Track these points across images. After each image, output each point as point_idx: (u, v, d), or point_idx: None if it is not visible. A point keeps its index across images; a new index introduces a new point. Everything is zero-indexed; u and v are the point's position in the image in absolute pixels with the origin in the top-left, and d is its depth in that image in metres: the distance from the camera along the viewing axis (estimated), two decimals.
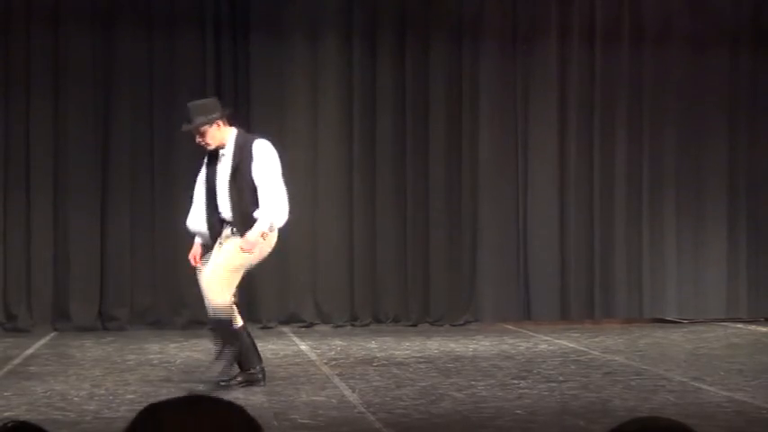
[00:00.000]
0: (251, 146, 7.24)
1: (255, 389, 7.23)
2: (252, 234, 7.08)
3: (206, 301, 7.26)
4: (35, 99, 10.80)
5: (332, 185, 11.36)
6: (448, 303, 11.45)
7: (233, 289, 7.27)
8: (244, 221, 7.12)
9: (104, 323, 10.83)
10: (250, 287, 11.27)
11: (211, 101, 7.63)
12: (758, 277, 12.01)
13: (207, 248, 7.33)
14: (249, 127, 11.04)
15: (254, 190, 7.15)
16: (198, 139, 7.29)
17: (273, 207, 7.14)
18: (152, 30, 11.01)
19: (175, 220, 10.95)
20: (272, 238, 7.28)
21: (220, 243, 7.24)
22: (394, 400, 6.89)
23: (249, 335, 7.50)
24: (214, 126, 7.23)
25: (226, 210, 7.21)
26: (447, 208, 11.50)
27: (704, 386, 7.43)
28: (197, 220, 7.38)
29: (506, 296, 11.62)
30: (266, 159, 7.22)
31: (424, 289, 11.44)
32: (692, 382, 7.58)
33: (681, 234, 11.93)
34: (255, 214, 7.11)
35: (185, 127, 7.39)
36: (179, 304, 10.93)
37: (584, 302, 11.69)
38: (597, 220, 11.76)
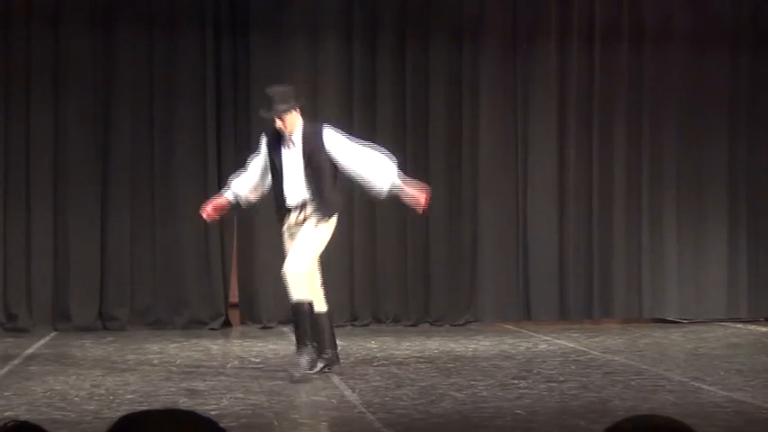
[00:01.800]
0: (321, 133, 7.57)
1: (256, 389, 7.23)
2: (410, 189, 7.63)
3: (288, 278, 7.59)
4: (35, 99, 10.79)
5: None
6: (448, 303, 11.45)
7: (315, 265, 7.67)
8: (322, 203, 7.51)
9: (104, 323, 10.83)
10: (250, 287, 11.30)
11: (290, 88, 7.93)
12: (758, 277, 12.00)
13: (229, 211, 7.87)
14: (249, 127, 11.12)
15: (330, 174, 7.54)
16: (278, 124, 7.55)
17: (385, 157, 7.62)
18: (152, 30, 11.01)
19: (176, 221, 11.01)
20: (333, 221, 7.64)
21: (291, 231, 7.61)
22: (394, 400, 6.88)
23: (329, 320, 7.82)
24: (293, 113, 7.54)
25: (295, 195, 7.53)
26: (447, 208, 11.50)
27: (704, 386, 7.43)
28: (239, 180, 7.82)
29: (506, 296, 11.62)
30: (341, 139, 7.61)
31: (424, 289, 11.44)
32: (692, 382, 7.58)
33: (681, 234, 11.93)
34: (380, 172, 7.55)
35: (265, 114, 7.65)
36: (179, 304, 10.94)
37: (583, 302, 11.70)
38: (597, 220, 11.76)
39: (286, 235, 7.69)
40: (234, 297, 11.24)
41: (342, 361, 8.68)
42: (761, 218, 12.04)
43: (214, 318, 10.99)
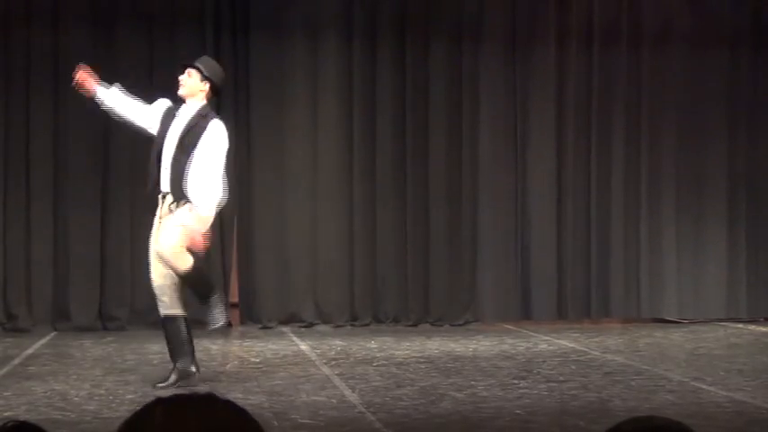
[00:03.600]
0: (209, 120, 7.19)
1: (256, 389, 7.23)
2: (192, 224, 6.95)
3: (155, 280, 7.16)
4: (35, 99, 10.79)
5: (332, 185, 11.37)
6: (448, 303, 11.45)
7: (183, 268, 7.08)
8: (179, 190, 7.02)
9: (104, 323, 10.83)
10: (250, 287, 11.30)
11: (221, 71, 7.61)
12: (757, 277, 12.01)
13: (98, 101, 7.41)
14: (249, 127, 11.12)
15: (191, 161, 7.05)
16: (182, 76, 7.31)
17: (209, 193, 7.01)
18: (152, 30, 11.00)
19: None
20: (210, 219, 7.10)
21: (160, 218, 7.12)
22: (394, 400, 6.89)
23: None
24: (201, 81, 7.27)
25: (165, 175, 7.10)
26: (446, 208, 11.50)
27: (704, 386, 7.43)
28: (119, 96, 7.46)
29: (506, 296, 11.63)
30: (217, 140, 7.13)
31: (424, 289, 11.44)
32: (692, 382, 7.58)
33: (679, 234, 11.93)
34: (190, 195, 6.98)
35: (184, 61, 7.48)
36: None
37: (582, 302, 11.71)
38: (595, 220, 11.77)
39: (156, 222, 7.18)
40: (234, 297, 11.23)
41: (342, 361, 8.69)
42: (760, 218, 12.05)
43: None
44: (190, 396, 1.57)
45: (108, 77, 10.88)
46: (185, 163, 7.07)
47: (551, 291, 11.66)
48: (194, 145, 7.10)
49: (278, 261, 11.18)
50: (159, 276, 7.15)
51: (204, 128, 7.15)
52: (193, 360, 7.29)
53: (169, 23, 11.04)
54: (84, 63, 10.76)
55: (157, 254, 7.09)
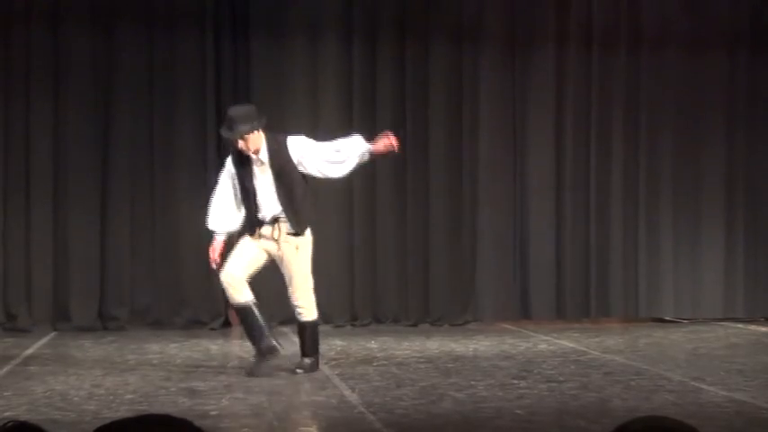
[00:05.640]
0: (286, 145, 7.63)
1: (256, 389, 7.23)
2: (379, 143, 7.76)
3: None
4: (35, 99, 10.79)
5: (332, 185, 11.33)
6: (448, 303, 11.46)
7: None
8: (297, 218, 7.63)
9: (104, 323, 10.83)
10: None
11: (252, 108, 7.87)
12: (755, 277, 12.03)
13: (228, 244, 7.87)
14: None
15: (302, 187, 7.64)
16: (240, 145, 7.53)
17: (348, 137, 7.81)
18: (152, 30, 11.01)
19: (176, 221, 11.01)
20: (309, 235, 7.75)
21: (262, 245, 7.71)
22: (394, 400, 6.88)
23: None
24: (255, 133, 7.53)
25: (269, 210, 7.62)
26: (446, 208, 11.51)
27: (704, 386, 7.43)
28: (221, 219, 7.80)
29: (505, 296, 11.64)
30: (305, 142, 7.70)
31: (424, 289, 11.44)
32: (692, 382, 7.58)
33: (678, 234, 11.95)
34: (352, 147, 7.71)
35: (227, 134, 7.66)
36: (179, 304, 10.94)
37: (580, 302, 11.73)
38: (594, 220, 11.78)
39: (254, 244, 7.73)
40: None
41: (342, 361, 8.70)
42: (758, 219, 12.07)
43: (214, 318, 10.99)
44: (144, 418, 1.57)
45: (108, 77, 10.97)
46: (292, 194, 7.60)
47: (550, 290, 11.67)
48: (292, 169, 7.60)
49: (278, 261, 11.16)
50: (243, 270, 7.71)
51: (287, 152, 7.60)
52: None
53: (169, 23, 11.04)
54: (85, 63, 10.84)
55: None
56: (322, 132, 11.37)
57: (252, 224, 7.70)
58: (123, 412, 6.27)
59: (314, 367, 7.90)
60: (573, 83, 11.77)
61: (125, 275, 10.91)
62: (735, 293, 11.99)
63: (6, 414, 6.28)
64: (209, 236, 7.99)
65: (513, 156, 11.70)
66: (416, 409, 6.54)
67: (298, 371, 7.77)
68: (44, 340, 9.99)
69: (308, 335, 7.95)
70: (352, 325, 11.18)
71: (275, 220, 7.63)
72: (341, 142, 7.79)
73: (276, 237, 7.65)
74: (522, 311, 11.64)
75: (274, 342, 7.78)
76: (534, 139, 11.73)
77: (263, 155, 7.58)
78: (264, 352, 7.74)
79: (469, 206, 11.58)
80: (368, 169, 11.35)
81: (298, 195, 7.62)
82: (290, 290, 7.86)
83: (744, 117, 12.05)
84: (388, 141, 7.75)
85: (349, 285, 11.32)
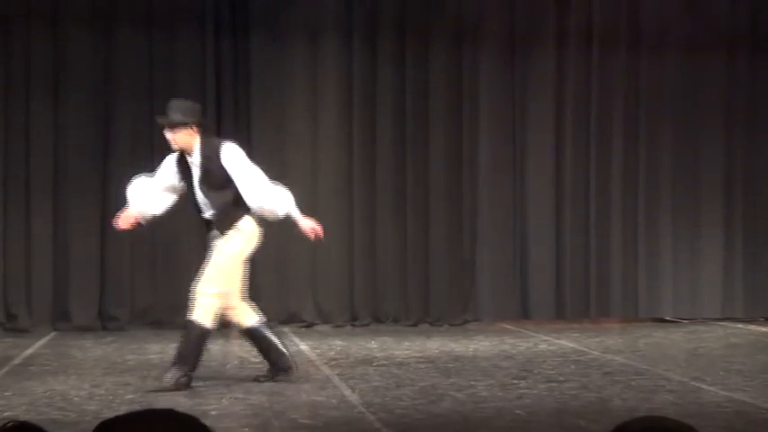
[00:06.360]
0: (219, 151, 7.29)
1: (256, 389, 7.23)
2: (302, 223, 7.48)
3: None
4: (35, 99, 10.79)
5: (332, 185, 11.37)
6: (448, 303, 11.46)
7: (228, 285, 7.36)
8: (224, 222, 7.29)
9: (104, 323, 10.83)
10: (250, 287, 11.28)
11: (194, 105, 7.63)
12: (754, 277, 12.04)
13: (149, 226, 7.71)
14: (249, 127, 11.11)
15: (231, 191, 7.25)
16: (168, 135, 7.33)
17: (271, 194, 7.29)
18: (152, 30, 11.01)
19: (176, 221, 10.99)
20: (255, 233, 7.37)
21: (209, 246, 7.41)
22: (394, 400, 6.89)
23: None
24: (187, 129, 7.29)
25: (207, 212, 7.38)
26: (446, 208, 11.51)
27: (704, 386, 7.43)
28: (141, 194, 7.54)
29: (505, 296, 11.64)
30: (236, 159, 7.29)
31: (424, 289, 11.44)
32: (692, 382, 7.58)
33: (677, 235, 11.96)
34: (255, 208, 7.24)
35: (159, 118, 7.49)
36: (179, 304, 10.88)
37: (580, 302, 11.73)
38: (593, 220, 11.79)
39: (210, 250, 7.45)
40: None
41: (342, 361, 8.68)
42: (757, 219, 12.08)
43: None
44: (147, 412, 1.57)
45: (108, 77, 10.97)
46: (221, 198, 7.26)
47: (550, 290, 11.68)
48: (221, 177, 7.25)
49: (278, 261, 11.17)
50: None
51: (219, 160, 7.26)
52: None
53: (169, 23, 11.04)
54: (85, 63, 10.85)
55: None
56: (322, 132, 11.41)
57: (203, 227, 7.54)
58: (123, 412, 6.26)
59: (174, 382, 7.17)
60: (573, 82, 11.77)
61: (125, 275, 10.91)
62: (734, 293, 12.00)
63: (6, 414, 6.28)
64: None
65: (512, 156, 11.70)
66: (416, 409, 6.54)
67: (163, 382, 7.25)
68: (44, 340, 9.99)
69: (183, 335, 7.39)
70: (352, 325, 11.18)
71: (209, 223, 7.41)
72: (270, 185, 7.35)
73: (211, 238, 7.38)
74: (522, 311, 11.65)
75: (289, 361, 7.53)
76: (534, 139, 11.73)
77: (196, 157, 7.32)
78: (283, 368, 7.46)
79: (469, 206, 11.58)
80: (368, 169, 11.39)
81: (226, 200, 7.25)
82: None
83: (743, 117, 12.06)
84: (314, 229, 7.51)
85: (349, 285, 11.32)
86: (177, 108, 7.36)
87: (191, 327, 7.28)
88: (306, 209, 11.14)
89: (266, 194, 7.27)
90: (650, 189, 11.91)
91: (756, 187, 12.06)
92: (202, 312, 7.23)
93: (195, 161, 7.33)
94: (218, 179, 7.26)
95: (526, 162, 11.73)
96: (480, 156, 11.61)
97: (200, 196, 7.36)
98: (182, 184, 7.46)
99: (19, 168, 10.81)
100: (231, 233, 7.26)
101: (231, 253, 7.28)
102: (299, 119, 11.32)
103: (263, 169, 11.12)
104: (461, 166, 11.56)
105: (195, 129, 7.32)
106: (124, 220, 7.62)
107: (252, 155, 11.12)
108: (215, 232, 7.35)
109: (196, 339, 7.28)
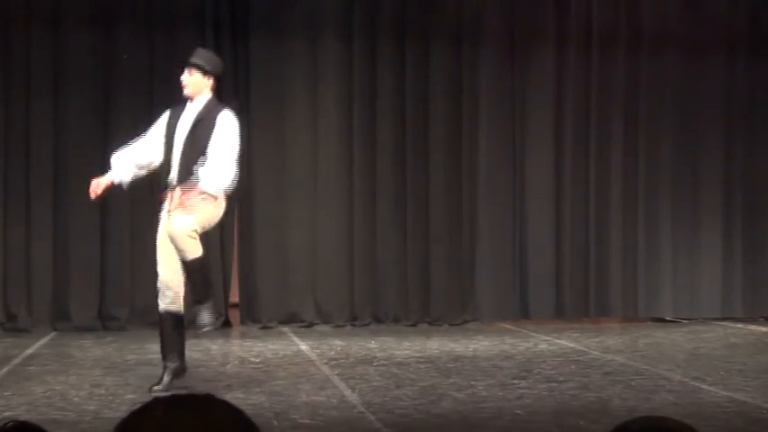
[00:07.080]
0: (219, 112, 7.14)
1: (256, 389, 7.23)
2: (193, 195, 6.94)
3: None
4: (35, 99, 10.79)
5: (332, 185, 11.37)
6: (448, 303, 11.46)
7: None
8: (186, 177, 6.99)
9: (104, 323, 10.83)
10: (250, 287, 11.30)
11: (219, 60, 7.53)
12: (753, 277, 12.05)
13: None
14: (249, 127, 11.10)
15: (205, 155, 7.01)
16: (183, 76, 7.22)
17: (218, 174, 6.98)
18: (152, 30, 11.01)
19: None
20: (221, 207, 7.09)
21: (169, 212, 7.04)
22: (394, 400, 6.89)
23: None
24: (205, 78, 7.19)
25: (174, 173, 7.08)
26: (446, 209, 11.51)
27: (704, 386, 7.43)
28: (123, 163, 7.35)
29: (505, 296, 11.64)
30: (229, 129, 7.09)
31: (424, 289, 11.45)
32: (692, 382, 7.58)
33: (676, 235, 11.96)
34: (199, 174, 6.97)
35: (183, 61, 7.33)
36: None
37: (579, 302, 11.74)
38: (593, 220, 11.80)
39: (160, 234, 7.12)
40: (234, 297, 11.24)
41: (342, 361, 8.69)
42: (755, 220, 12.10)
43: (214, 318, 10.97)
44: (188, 396, 1.57)
45: (108, 77, 10.97)
46: (196, 156, 7.03)
47: (550, 290, 11.69)
48: (206, 138, 7.04)
49: (278, 261, 11.18)
50: (169, 272, 7.06)
51: (214, 120, 7.10)
52: (184, 358, 7.19)
53: (169, 23, 11.04)
54: (85, 63, 10.85)
55: (169, 236, 6.95)
56: (322, 132, 11.41)
57: (162, 189, 7.17)
58: (123, 412, 6.25)
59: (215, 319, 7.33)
60: (573, 83, 11.78)
61: (125, 275, 10.91)
62: (733, 293, 12.01)
63: (6, 414, 6.28)
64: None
65: (512, 156, 11.71)
66: (416, 409, 6.55)
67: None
68: (44, 340, 9.98)
69: (190, 276, 7.05)
70: (353, 325, 11.18)
71: (173, 189, 7.03)
72: (215, 161, 7.01)
73: (170, 208, 7.03)
74: (522, 311, 11.66)
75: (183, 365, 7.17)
76: (534, 139, 11.74)
77: (197, 106, 7.17)
78: (176, 371, 7.10)
79: (469, 206, 11.59)
80: (368, 169, 11.39)
81: (195, 159, 7.00)
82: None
83: (743, 118, 12.07)
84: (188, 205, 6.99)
85: (349, 285, 11.32)
86: (202, 55, 7.35)
87: (193, 265, 6.99)
88: (306, 209, 11.28)
89: (216, 178, 6.97)
90: (650, 189, 11.93)
91: (756, 187, 12.07)
92: (192, 249, 6.93)
93: (195, 109, 7.18)
94: (204, 138, 7.06)
95: (526, 162, 11.73)
96: (480, 156, 11.61)
97: (176, 150, 7.10)
98: (161, 148, 7.20)
99: (19, 168, 10.80)
100: (197, 197, 6.95)
101: (201, 208, 6.96)
102: (300, 119, 11.32)
103: (263, 169, 11.23)
104: (461, 167, 11.56)
105: (210, 81, 7.23)
106: (95, 187, 7.40)
107: (252, 154, 11.23)
108: (172, 200, 7.01)
109: (201, 269, 7.04)
